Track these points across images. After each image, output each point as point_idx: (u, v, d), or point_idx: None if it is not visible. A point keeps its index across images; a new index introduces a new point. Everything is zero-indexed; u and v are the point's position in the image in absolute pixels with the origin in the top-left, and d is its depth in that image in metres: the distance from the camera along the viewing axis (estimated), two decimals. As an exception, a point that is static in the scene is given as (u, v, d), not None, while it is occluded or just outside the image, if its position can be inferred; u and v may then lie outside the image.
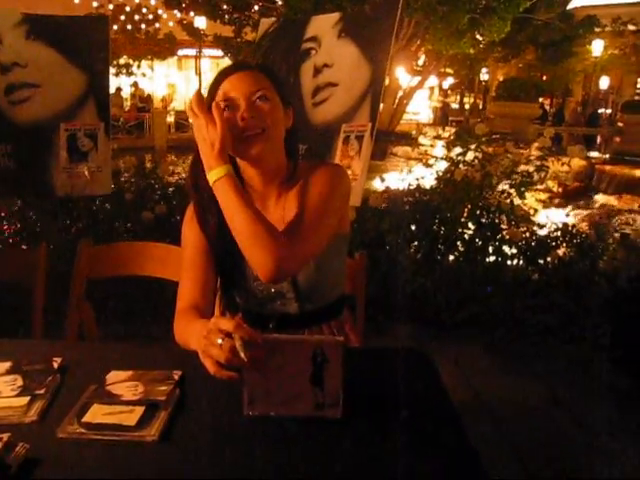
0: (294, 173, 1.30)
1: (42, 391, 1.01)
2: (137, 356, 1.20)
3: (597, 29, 15.88)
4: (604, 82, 21.02)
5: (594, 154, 10.79)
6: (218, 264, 1.31)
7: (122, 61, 21.73)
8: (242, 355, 0.89)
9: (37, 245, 1.80)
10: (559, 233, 3.53)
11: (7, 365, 1.09)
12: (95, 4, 23.56)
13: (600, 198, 8.02)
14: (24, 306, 1.74)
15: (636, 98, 20.96)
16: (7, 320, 2.02)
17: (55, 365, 1.10)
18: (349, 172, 2.31)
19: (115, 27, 20.52)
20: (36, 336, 1.70)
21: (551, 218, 3.94)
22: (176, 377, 1.04)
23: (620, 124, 12.31)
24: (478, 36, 13.20)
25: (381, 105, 2.65)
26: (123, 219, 3.55)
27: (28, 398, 0.99)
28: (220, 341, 0.92)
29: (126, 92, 21.55)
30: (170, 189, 3.86)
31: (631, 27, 18.43)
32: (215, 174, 1.14)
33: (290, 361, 0.91)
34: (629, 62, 19.48)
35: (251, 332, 0.91)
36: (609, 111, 22.80)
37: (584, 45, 16.84)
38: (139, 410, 0.93)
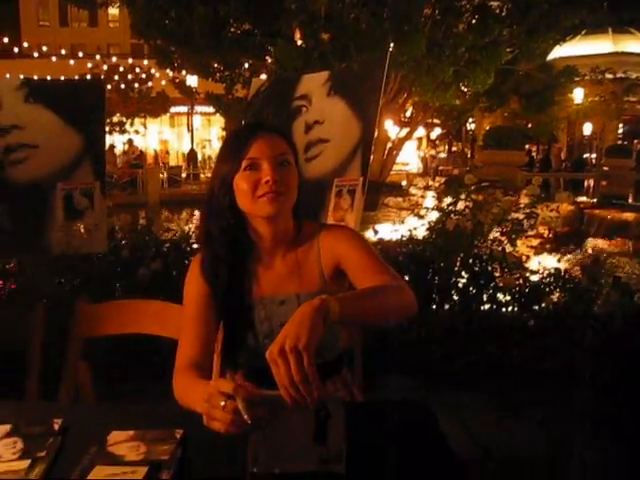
0: (299, 233, 1.36)
1: (43, 453, 1.00)
2: (137, 415, 1.20)
3: (577, 78, 16.39)
4: (587, 128, 21.55)
5: (582, 198, 10.97)
6: (226, 321, 1.32)
7: (115, 119, 22.14)
8: (245, 417, 0.89)
9: (34, 304, 1.81)
10: (552, 279, 3.56)
11: (6, 428, 1.09)
12: (89, 65, 24.22)
13: (590, 242, 8.11)
14: (20, 366, 1.73)
15: (618, 142, 21.47)
16: (2, 381, 2.00)
17: (56, 427, 1.09)
18: (343, 224, 2.35)
19: (109, 86, 21.00)
20: (33, 398, 1.69)
21: (543, 264, 3.98)
22: (178, 436, 1.04)
23: (605, 168, 12.57)
24: (463, 88, 13.58)
25: (372, 156, 2.72)
26: (119, 276, 3.56)
27: (29, 461, 0.98)
28: (223, 403, 0.92)
29: (119, 149, 21.87)
30: (165, 245, 3.89)
31: (609, 76, 19.05)
32: (332, 311, 1.03)
33: (293, 418, 0.92)
34: (609, 109, 20.02)
35: (252, 391, 0.92)
36: (594, 156, 23.29)
37: (565, 94, 17.34)
38: (142, 470, 0.93)
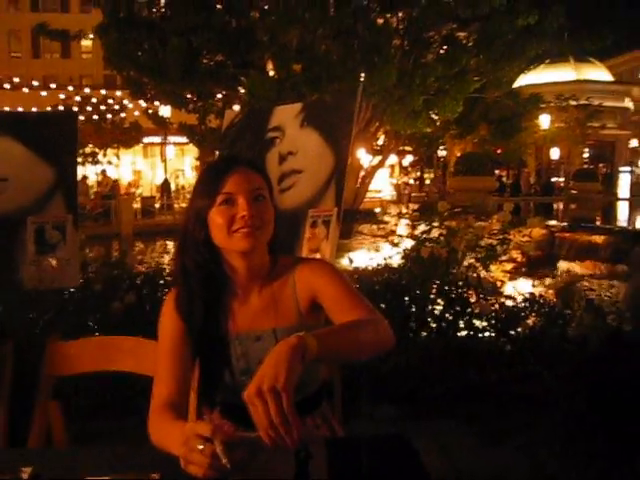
0: (275, 267, 1.35)
1: (12, 506, 0.96)
2: (111, 459, 1.16)
3: (542, 105, 16.88)
4: (555, 153, 22.11)
5: (553, 222, 11.19)
6: (202, 357, 1.29)
7: (88, 150, 22.00)
8: (224, 461, 0.87)
9: (3, 341, 1.76)
10: (527, 303, 3.60)
11: (-27, 479, 1.04)
12: (62, 96, 24.13)
13: (563, 265, 8.25)
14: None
15: (585, 166, 22.07)
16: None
17: (24, 476, 1.05)
18: (318, 255, 2.35)
19: (82, 118, 20.93)
20: (1, 443, 1.63)
21: (518, 288, 4.02)
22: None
23: (574, 192, 12.88)
24: (433, 116, 13.85)
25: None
26: (92, 310, 3.49)
27: (-3, 515, 0.94)
28: (201, 447, 0.90)
29: (92, 179, 21.69)
30: (139, 278, 3.84)
31: (572, 102, 19.66)
32: (310, 349, 1.01)
33: (273, 459, 0.90)
34: (574, 134, 20.62)
35: (231, 433, 0.90)
36: (562, 179, 23.85)
37: (532, 120, 17.82)
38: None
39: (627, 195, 21.60)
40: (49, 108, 19.63)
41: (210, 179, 1.28)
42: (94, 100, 23.77)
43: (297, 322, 1.31)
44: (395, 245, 4.16)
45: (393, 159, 25.80)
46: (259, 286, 1.33)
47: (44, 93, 26.17)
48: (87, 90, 26.04)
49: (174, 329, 1.30)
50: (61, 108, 20.92)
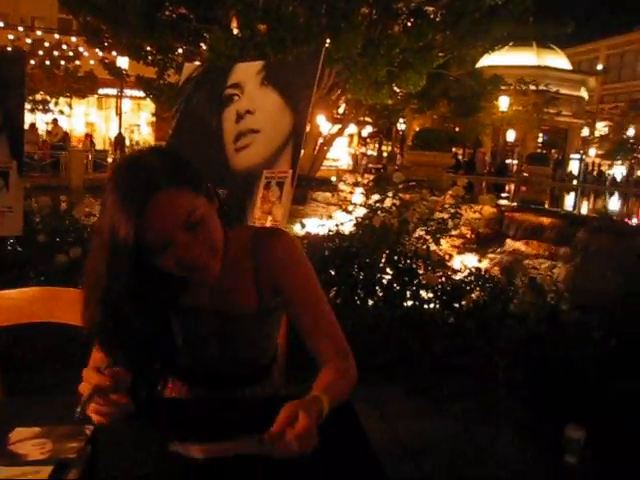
0: (231, 244, 1.22)
1: None
2: (45, 411, 1.13)
3: (503, 87, 17.11)
4: (511, 135, 22.49)
5: (503, 202, 11.44)
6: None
7: (39, 97, 21.04)
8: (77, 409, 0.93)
9: None
10: (473, 278, 3.69)
11: None
12: (11, 37, 22.87)
13: (510, 243, 8.48)
14: None
15: (538, 151, 22.59)
16: None
17: (-48, 423, 1.02)
18: (269, 217, 2.33)
19: (32, 62, 19.92)
20: None
21: (465, 263, 4.11)
22: (88, 432, 0.99)
23: (525, 174, 13.18)
24: (396, 88, 13.86)
25: (302, 151, 2.71)
26: (35, 262, 3.38)
27: None
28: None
29: (42, 129, 20.81)
30: (86, 231, 3.72)
31: (532, 87, 20.00)
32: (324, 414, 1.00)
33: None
34: (531, 118, 21.02)
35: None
36: (515, 162, 24.37)
37: (492, 101, 18.05)
38: (46, 470, 0.88)
39: (575, 181, 22.33)
40: (-3, 49, 18.62)
41: (130, 233, 1.01)
42: (47, 44, 22.64)
43: (258, 304, 1.24)
44: (348, 213, 4.17)
45: (352, 129, 25.74)
46: (220, 263, 1.17)
47: (-9, 32, 24.75)
48: (39, 33, 24.75)
49: None
50: (9, 49, 19.86)
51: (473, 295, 3.59)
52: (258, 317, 1.26)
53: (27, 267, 3.36)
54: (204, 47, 13.01)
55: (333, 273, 3.51)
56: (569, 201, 16.07)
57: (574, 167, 29.02)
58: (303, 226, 4.00)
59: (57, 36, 23.93)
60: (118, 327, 1.09)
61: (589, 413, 2.61)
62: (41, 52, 21.89)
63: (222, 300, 1.23)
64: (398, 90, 14.13)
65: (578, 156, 29.62)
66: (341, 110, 17.46)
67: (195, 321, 1.25)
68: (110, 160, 18.74)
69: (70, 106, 24.27)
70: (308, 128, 14.15)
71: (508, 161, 24.99)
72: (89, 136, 22.55)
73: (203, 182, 1.12)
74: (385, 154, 28.71)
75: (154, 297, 1.11)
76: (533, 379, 2.93)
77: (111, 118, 27.10)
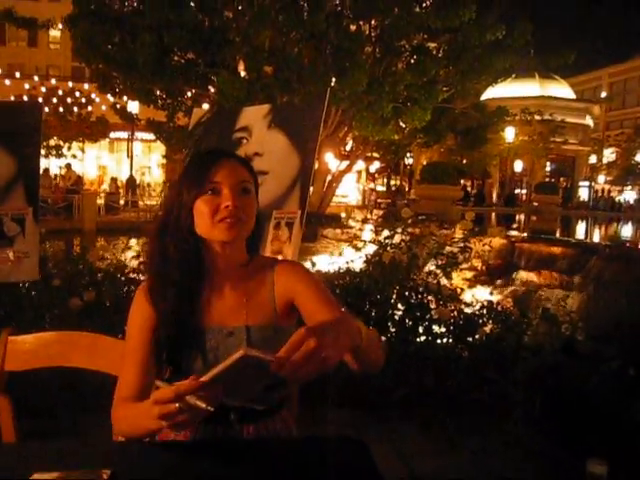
0: (252, 264, 1.37)
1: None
2: (62, 455, 1.14)
3: (508, 118, 17.28)
4: (518, 165, 22.61)
5: (514, 232, 11.42)
6: (170, 348, 1.28)
7: (52, 142, 21.51)
8: (204, 406, 0.92)
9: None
10: (485, 311, 3.67)
11: None
12: (27, 86, 23.54)
13: (521, 274, 8.43)
14: None
15: (546, 180, 22.64)
16: None
17: (-28, 470, 1.03)
18: (280, 257, 2.36)
19: (47, 109, 20.43)
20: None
21: (477, 296, 4.10)
22: (105, 476, 1.00)
23: (535, 204, 13.19)
24: (402, 123, 14.04)
25: (311, 188, 2.76)
26: (50, 306, 3.42)
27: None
28: (177, 404, 0.95)
29: (55, 173, 21.20)
30: (99, 274, 3.77)
31: (537, 117, 20.19)
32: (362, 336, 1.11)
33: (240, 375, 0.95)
34: (537, 148, 21.16)
35: (190, 383, 0.95)
36: (524, 191, 24.41)
37: (498, 132, 18.23)
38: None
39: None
40: (13, 98, 19.12)
41: (197, 169, 1.30)
42: (60, 92, 23.27)
43: (271, 321, 1.32)
44: (358, 250, 4.19)
45: (360, 165, 25.98)
46: (236, 281, 1.34)
47: (8, 82, 25.48)
48: (54, 81, 25.47)
49: (144, 322, 1.30)
50: (26, 98, 20.39)
51: (486, 328, 3.57)
52: (275, 329, 1.33)
53: (42, 311, 3.40)
54: (212, 90, 13.31)
55: (344, 310, 3.51)
56: (580, 229, 16.02)
57: (584, 194, 28.99)
58: (313, 265, 4.02)
59: (70, 84, 24.62)
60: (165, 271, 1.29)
61: (609, 445, 2.56)
62: (55, 99, 22.49)
63: (244, 314, 1.32)
64: (404, 125, 14.30)
65: (587, 183, 29.61)
66: (348, 147, 17.66)
67: (221, 337, 1.31)
68: (122, 202, 18.99)
69: (83, 150, 24.77)
70: (317, 166, 14.30)
71: (517, 191, 25.04)
72: (94, 184, 22.90)
73: (257, 183, 1.36)
74: (393, 188, 28.87)
75: (192, 263, 1.30)
76: (550, 411, 2.89)
77: (123, 160, 27.59)
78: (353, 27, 12.79)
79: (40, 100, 20.06)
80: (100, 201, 17.40)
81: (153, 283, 1.32)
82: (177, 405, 0.95)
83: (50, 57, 34.10)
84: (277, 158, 2.56)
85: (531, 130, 20.29)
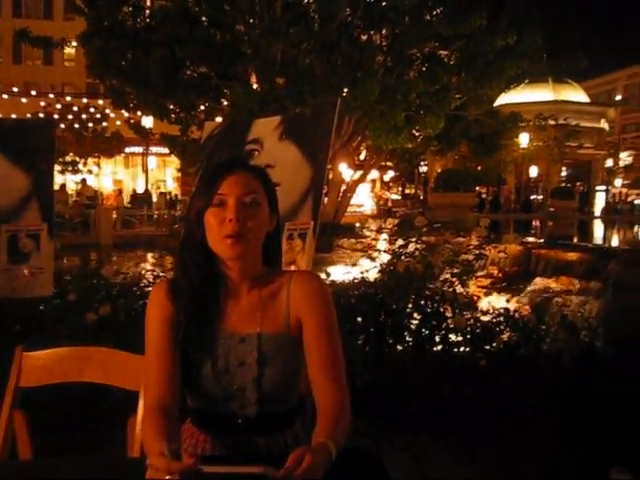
0: (269, 273, 1.37)
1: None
2: (77, 471, 1.14)
3: (522, 124, 17.18)
4: (533, 171, 22.46)
5: (530, 239, 11.32)
6: (184, 352, 1.30)
7: (68, 158, 21.80)
8: None
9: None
10: (502, 318, 3.62)
11: None
12: (43, 103, 23.92)
13: (538, 281, 8.33)
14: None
15: (562, 185, 22.45)
16: None
17: (-14, 487, 1.03)
18: (293, 267, 2.35)
19: (62, 126, 20.74)
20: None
21: (493, 304, 4.05)
22: (117, 493, 1.00)
23: (551, 209, 13.08)
24: (415, 132, 14.01)
25: (326, 199, 2.75)
26: (65, 321, 3.44)
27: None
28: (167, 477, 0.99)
29: (71, 188, 21.46)
30: (115, 289, 3.79)
31: (551, 122, 20.04)
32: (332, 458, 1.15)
33: None
34: (553, 153, 21.01)
35: (189, 467, 0.99)
36: (540, 197, 24.21)
37: (512, 138, 18.11)
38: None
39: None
40: (29, 115, 19.43)
41: (209, 179, 1.31)
42: (75, 108, 23.61)
43: (284, 331, 1.32)
44: (373, 259, 4.17)
45: (375, 174, 25.96)
46: (251, 288, 1.35)
47: (24, 100, 25.92)
48: (69, 98, 25.84)
49: (162, 317, 1.32)
50: (41, 115, 20.72)
51: (504, 336, 3.52)
52: (287, 338, 1.33)
53: (58, 326, 3.42)
54: (225, 103, 13.40)
55: (360, 320, 3.49)
56: (597, 234, 15.82)
57: (601, 198, 28.68)
58: (328, 275, 4.01)
59: (85, 100, 24.96)
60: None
61: (632, 453, 2.51)
62: (70, 116, 22.82)
63: (258, 322, 1.32)
64: (417, 133, 14.27)
65: (604, 187, 29.30)
66: (362, 156, 17.67)
67: (233, 343, 1.31)
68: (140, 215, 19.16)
69: (98, 165, 25.08)
70: (331, 176, 14.32)
71: (532, 197, 24.84)
72: (109, 199, 23.15)
73: (273, 195, 1.37)
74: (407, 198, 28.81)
75: (209, 273, 1.32)
76: (571, 419, 2.84)
77: (138, 175, 27.87)
78: (364, 37, 12.83)
79: (56, 117, 20.39)
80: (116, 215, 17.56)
81: (173, 280, 1.35)
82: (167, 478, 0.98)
83: (65, 74, 34.62)
84: (289, 169, 2.55)
85: (546, 135, 20.14)
